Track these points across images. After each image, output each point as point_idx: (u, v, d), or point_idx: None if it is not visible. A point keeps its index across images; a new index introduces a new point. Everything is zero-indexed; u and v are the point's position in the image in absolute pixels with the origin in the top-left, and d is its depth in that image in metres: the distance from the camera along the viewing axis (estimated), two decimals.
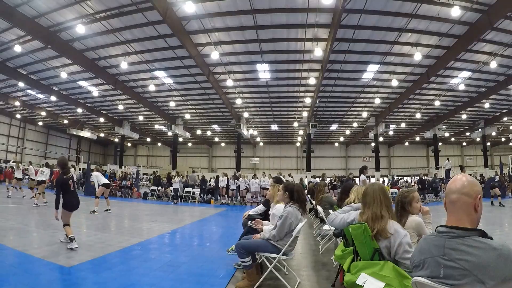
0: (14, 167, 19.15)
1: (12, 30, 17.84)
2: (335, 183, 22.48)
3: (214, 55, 18.12)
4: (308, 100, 26.23)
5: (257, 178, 21.45)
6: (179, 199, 20.83)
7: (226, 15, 15.69)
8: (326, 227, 6.68)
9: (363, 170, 12.55)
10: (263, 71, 21.93)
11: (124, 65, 20.40)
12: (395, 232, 2.69)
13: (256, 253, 4.50)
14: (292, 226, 4.26)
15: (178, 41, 17.21)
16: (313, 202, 9.85)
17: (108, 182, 13.94)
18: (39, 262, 5.10)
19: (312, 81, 21.20)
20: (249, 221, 5.35)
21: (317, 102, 26.61)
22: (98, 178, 13.34)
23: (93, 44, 19.42)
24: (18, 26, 16.49)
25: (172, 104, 28.99)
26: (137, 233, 8.54)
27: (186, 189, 21.50)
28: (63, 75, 22.77)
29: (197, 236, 8.96)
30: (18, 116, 39.00)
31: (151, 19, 16.05)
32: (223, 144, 49.42)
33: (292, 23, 16.25)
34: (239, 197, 21.64)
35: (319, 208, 7.43)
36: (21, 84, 25.93)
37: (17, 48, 18.89)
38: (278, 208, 4.91)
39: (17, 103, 31.79)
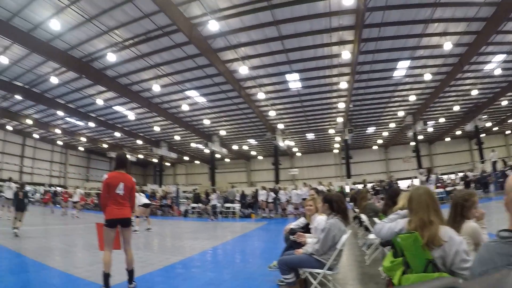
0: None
1: (47, 63, 19.12)
2: (378, 188, 21.70)
3: (243, 69, 18.26)
4: (341, 105, 25.78)
5: (299, 189, 21.09)
6: (219, 214, 20.84)
7: (250, 29, 15.81)
8: (371, 236, 6.36)
9: (428, 171, 11.91)
10: (293, 81, 21.78)
11: (156, 87, 21.00)
12: (450, 240, 2.42)
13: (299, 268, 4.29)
14: (336, 238, 4.03)
15: (206, 60, 17.57)
16: (356, 210, 9.47)
17: (147, 202, 14.13)
18: (80, 281, 5.17)
19: (343, 85, 20.86)
20: (290, 236, 5.16)
21: (351, 106, 26.03)
22: (138, 198, 13.54)
23: (124, 71, 20.21)
24: (52, 59, 17.50)
25: (206, 121, 29.40)
26: (178, 251, 8.49)
27: (226, 205, 21.48)
28: (99, 102, 24.01)
29: (239, 252, 8.80)
30: (60, 142, 41.32)
31: (178, 41, 16.48)
32: (260, 157, 49.28)
33: (316, 29, 16.11)
34: (279, 210, 21.34)
35: (363, 217, 7.11)
36: (60, 113, 27.53)
37: (53, 80, 20.24)
38: (318, 221, 4.69)
39: (57, 131, 33.97)
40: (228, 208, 21.46)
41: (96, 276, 5.29)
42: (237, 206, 21.68)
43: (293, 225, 6.05)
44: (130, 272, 4.91)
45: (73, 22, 15.38)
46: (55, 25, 14.82)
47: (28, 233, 10.71)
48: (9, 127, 34.77)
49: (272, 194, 20.77)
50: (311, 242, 4.39)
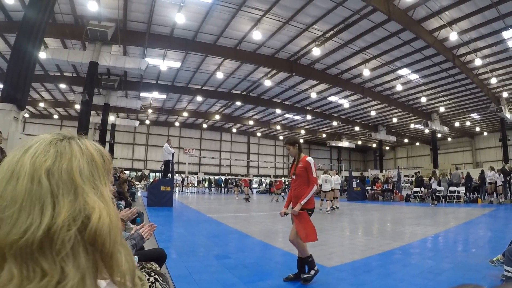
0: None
1: (258, 70, 22.15)
2: None
3: (452, 36, 16.45)
4: None
5: None
6: (443, 199, 19.65)
7: None
8: None
9: None
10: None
11: (366, 72, 21.31)
12: None
13: None
14: None
15: (411, 33, 16.69)
16: None
17: None
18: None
19: None
20: None
21: None
22: None
23: (331, 61, 21.20)
24: (262, 64, 20.37)
25: (423, 99, 27.81)
26: (399, 236, 8.39)
27: (450, 189, 19.91)
28: (313, 95, 26.08)
29: (462, 241, 8.01)
30: (281, 137, 46.94)
31: (377, 21, 16.20)
32: (485, 133, 43.28)
33: None
34: (509, 195, 18.39)
35: None
36: (278, 111, 31.49)
37: (267, 83, 23.22)
38: None
39: (278, 127, 39.37)
40: (453, 192, 19.79)
41: (318, 256, 5.62)
42: (461, 190, 19.79)
43: None
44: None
45: (272, 29, 17.34)
46: (256, 35, 16.87)
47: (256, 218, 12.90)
48: (234, 130, 42.57)
49: (502, 176, 17.99)
50: None
